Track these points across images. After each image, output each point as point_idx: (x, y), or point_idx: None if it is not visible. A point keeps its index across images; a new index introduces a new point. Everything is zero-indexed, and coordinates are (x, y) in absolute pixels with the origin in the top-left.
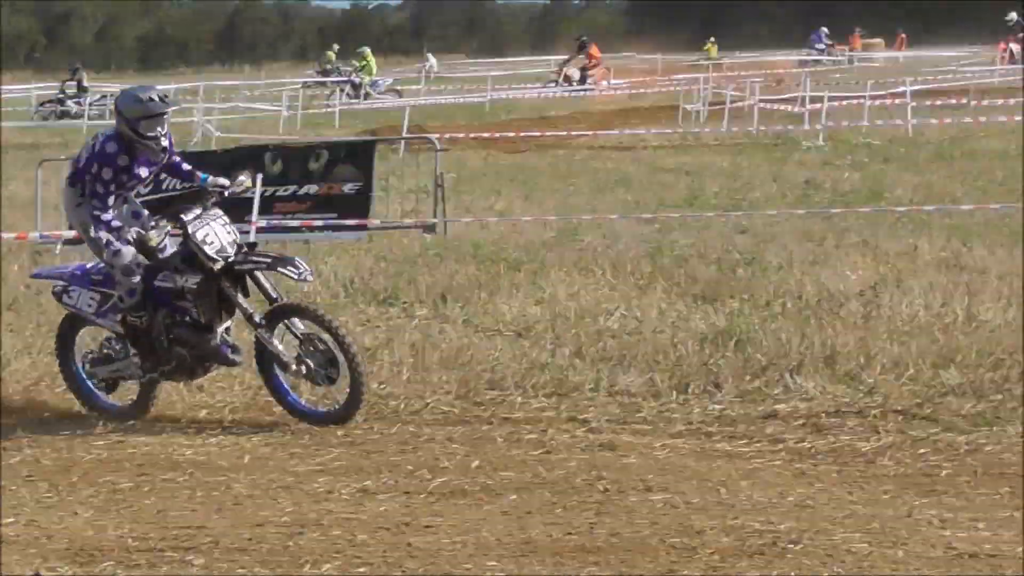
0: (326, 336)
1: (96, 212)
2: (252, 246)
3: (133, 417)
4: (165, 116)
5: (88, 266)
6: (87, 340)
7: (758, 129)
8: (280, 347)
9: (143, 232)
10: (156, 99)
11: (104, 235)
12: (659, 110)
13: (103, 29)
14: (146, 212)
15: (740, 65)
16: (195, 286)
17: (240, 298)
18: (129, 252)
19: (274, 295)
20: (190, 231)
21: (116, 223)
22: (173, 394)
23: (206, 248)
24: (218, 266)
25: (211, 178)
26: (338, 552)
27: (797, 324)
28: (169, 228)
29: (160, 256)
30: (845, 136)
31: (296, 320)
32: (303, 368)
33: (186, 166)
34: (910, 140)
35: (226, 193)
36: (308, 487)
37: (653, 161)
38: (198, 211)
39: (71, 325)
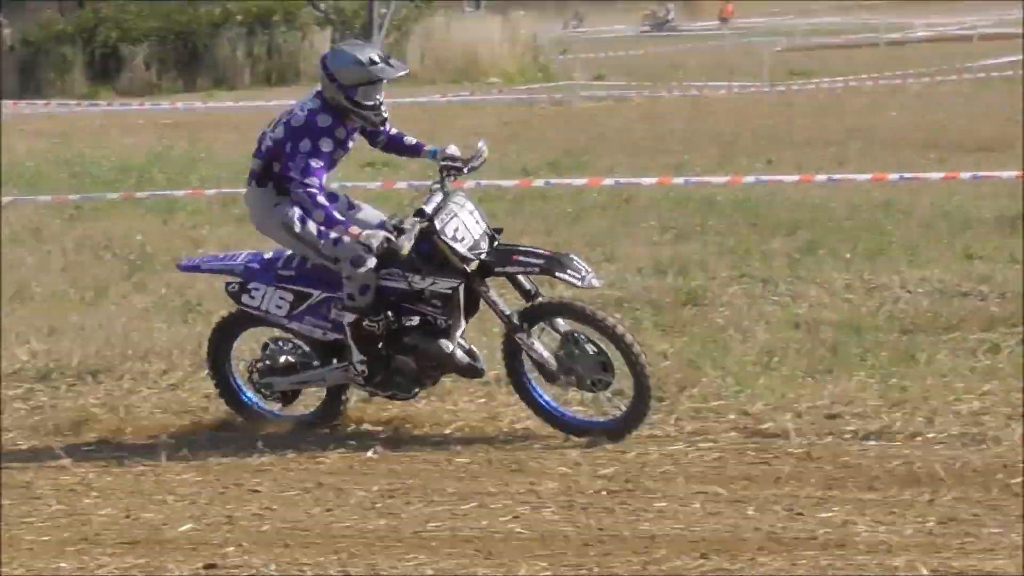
0: (593, 335)
1: (310, 191)
2: (499, 232)
3: (313, 426)
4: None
5: (267, 257)
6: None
7: None
8: (545, 354)
9: (392, 239)
10: (379, 61)
11: (312, 227)
12: None
13: None
14: (364, 205)
15: None
16: (448, 291)
17: (499, 300)
18: (351, 240)
19: (530, 288)
20: (438, 227)
21: (337, 214)
22: None
23: (457, 247)
24: (473, 266)
25: (441, 149)
26: None
27: None
28: (418, 227)
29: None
30: None
31: (558, 320)
32: (572, 378)
33: (410, 139)
34: None
35: (465, 170)
36: None
37: None
38: (439, 197)
39: (234, 327)
